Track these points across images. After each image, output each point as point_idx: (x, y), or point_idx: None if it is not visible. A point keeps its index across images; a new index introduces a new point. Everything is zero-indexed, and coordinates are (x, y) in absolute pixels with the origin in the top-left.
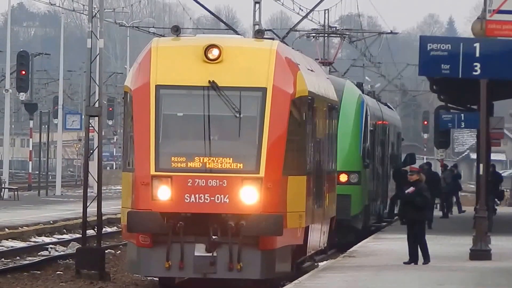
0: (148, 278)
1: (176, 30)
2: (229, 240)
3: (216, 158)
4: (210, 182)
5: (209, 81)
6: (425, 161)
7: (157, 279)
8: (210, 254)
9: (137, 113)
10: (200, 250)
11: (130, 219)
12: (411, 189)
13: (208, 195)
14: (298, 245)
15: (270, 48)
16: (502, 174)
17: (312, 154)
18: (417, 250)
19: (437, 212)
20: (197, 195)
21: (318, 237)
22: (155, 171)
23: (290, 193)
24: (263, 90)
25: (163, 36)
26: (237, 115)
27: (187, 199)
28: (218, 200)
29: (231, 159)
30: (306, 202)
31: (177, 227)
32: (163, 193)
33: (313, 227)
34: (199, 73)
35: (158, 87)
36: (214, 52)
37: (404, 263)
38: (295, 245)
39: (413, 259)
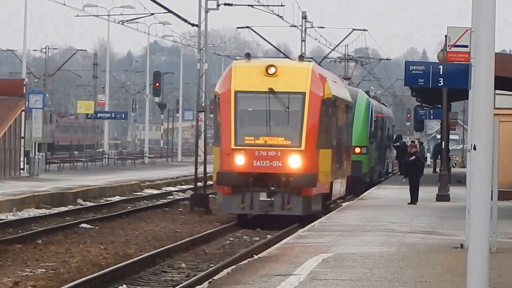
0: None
1: (248, 56)
2: (281, 190)
3: (273, 138)
4: (269, 153)
5: (269, 88)
6: (408, 139)
7: (236, 215)
8: (270, 199)
9: (222, 109)
10: (263, 196)
11: (218, 176)
12: (413, 157)
13: (268, 161)
14: (326, 193)
15: (308, 67)
16: (456, 148)
17: (335, 135)
18: (417, 195)
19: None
20: (261, 161)
21: (339, 188)
22: (234, 146)
23: (321, 160)
24: (303, 94)
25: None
26: (287, 110)
27: (254, 164)
28: (274, 164)
29: (283, 138)
30: (331, 165)
31: (248, 181)
32: (239, 159)
33: (336, 182)
34: (262, 83)
35: (236, 92)
36: (272, 70)
37: (408, 203)
38: (324, 193)
39: (414, 201)
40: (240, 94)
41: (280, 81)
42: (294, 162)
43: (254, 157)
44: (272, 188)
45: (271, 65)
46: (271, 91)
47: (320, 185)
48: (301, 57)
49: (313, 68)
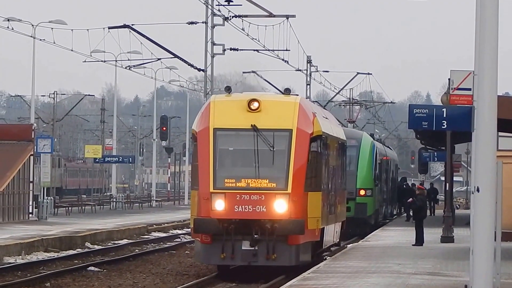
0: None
1: (228, 90)
2: (266, 238)
3: (257, 180)
4: (252, 197)
5: (251, 125)
6: (412, 181)
7: (216, 266)
8: (253, 248)
9: (200, 148)
10: (246, 245)
11: (195, 223)
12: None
13: (251, 206)
14: (316, 241)
15: (295, 101)
16: (460, 190)
17: (326, 176)
18: (421, 237)
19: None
20: (243, 206)
21: (331, 235)
22: (213, 189)
23: (310, 204)
24: (290, 131)
25: None
26: (271, 149)
27: (236, 209)
28: (258, 209)
29: (267, 180)
30: (321, 210)
31: (229, 229)
32: (219, 205)
33: (327, 228)
34: (244, 119)
35: (215, 130)
36: (255, 104)
37: (413, 245)
38: (314, 241)
39: (418, 242)
40: (220, 132)
41: (264, 117)
42: (280, 207)
43: (235, 201)
44: (255, 236)
45: (254, 99)
46: (254, 128)
47: (309, 232)
48: (287, 90)
49: (300, 102)
